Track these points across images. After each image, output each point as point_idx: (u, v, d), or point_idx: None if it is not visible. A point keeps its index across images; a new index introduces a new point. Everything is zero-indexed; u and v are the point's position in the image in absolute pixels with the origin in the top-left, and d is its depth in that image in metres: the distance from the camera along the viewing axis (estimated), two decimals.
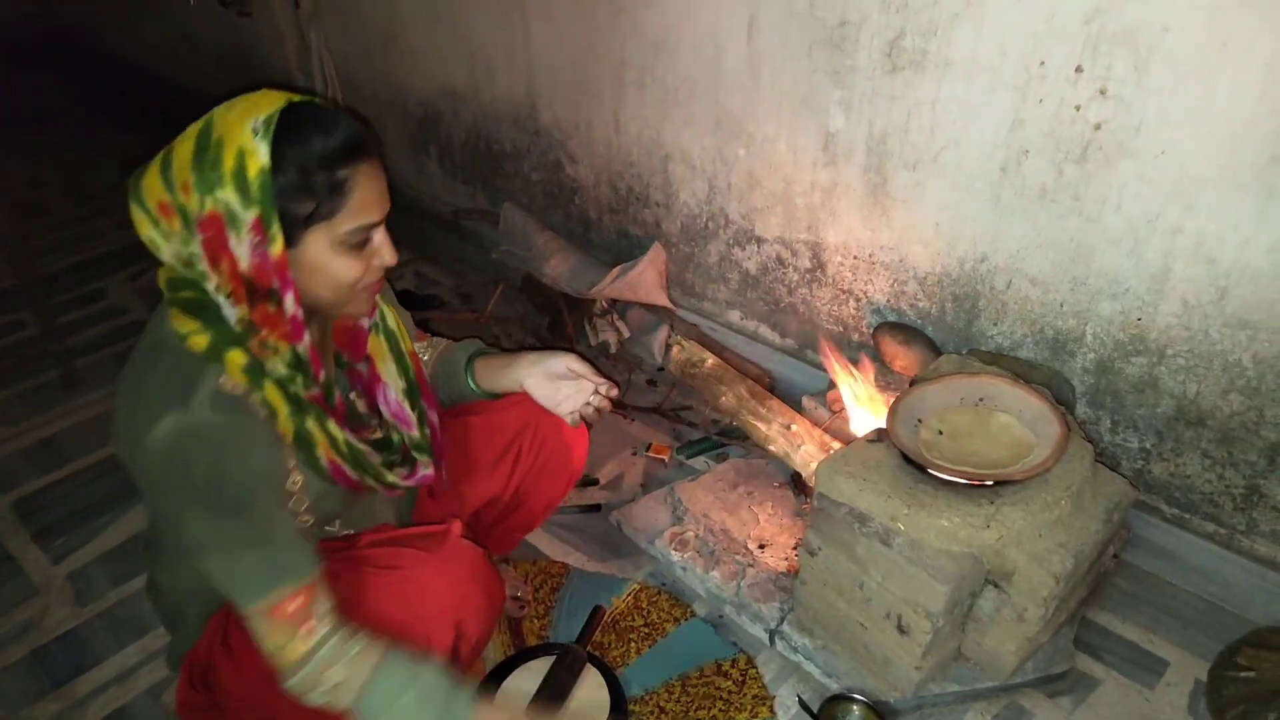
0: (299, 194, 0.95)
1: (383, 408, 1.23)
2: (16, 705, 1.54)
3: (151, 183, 0.95)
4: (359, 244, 1.02)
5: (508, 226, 2.59)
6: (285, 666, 1.00)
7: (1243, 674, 1.43)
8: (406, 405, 1.24)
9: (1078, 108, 1.41)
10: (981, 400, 1.47)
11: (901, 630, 1.37)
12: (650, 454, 2.07)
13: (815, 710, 1.42)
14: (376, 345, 1.21)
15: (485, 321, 2.55)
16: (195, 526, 0.98)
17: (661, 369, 2.38)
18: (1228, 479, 1.54)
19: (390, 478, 1.18)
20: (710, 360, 2.03)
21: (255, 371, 0.99)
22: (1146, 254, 1.44)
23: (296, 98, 0.98)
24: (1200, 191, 1.34)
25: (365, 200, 0.99)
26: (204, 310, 0.98)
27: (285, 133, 0.93)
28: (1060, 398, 1.59)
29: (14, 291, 2.80)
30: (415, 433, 1.25)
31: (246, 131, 0.92)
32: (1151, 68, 1.31)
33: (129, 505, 1.98)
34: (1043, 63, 1.41)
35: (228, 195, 0.91)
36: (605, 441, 2.11)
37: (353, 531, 1.24)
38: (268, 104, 0.95)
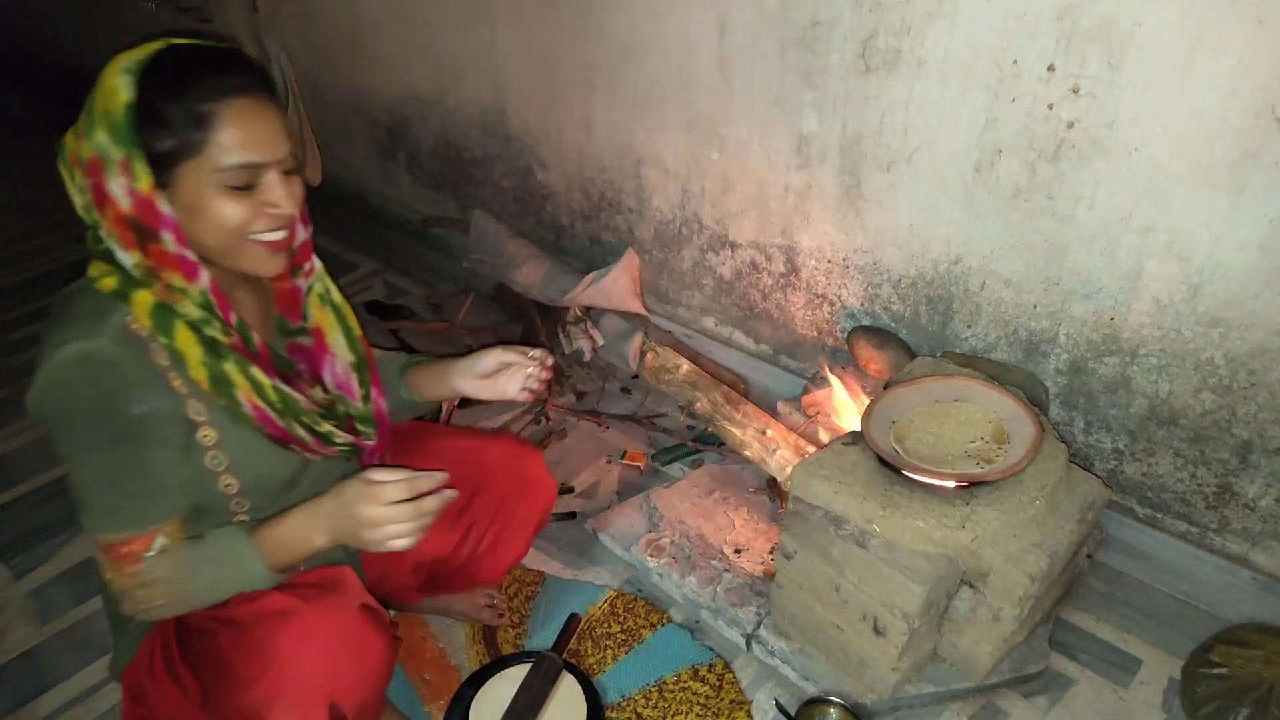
0: (158, 129, 0.93)
1: (327, 377, 1.18)
2: None
3: (69, 139, 0.97)
4: (241, 186, 0.97)
5: (478, 234, 2.56)
6: (115, 591, 1.04)
7: (1215, 671, 1.43)
8: (354, 378, 1.20)
9: (1050, 106, 1.41)
10: (956, 401, 1.47)
11: (878, 632, 1.35)
12: (625, 461, 2.04)
13: (792, 713, 1.40)
14: (324, 316, 1.17)
15: (457, 331, 2.52)
16: (68, 450, 0.98)
17: (636, 376, 2.36)
18: (1200, 478, 1.55)
19: (325, 426, 1.11)
20: (684, 366, 2.01)
21: (164, 313, 0.98)
22: (1119, 253, 1.44)
23: (185, 40, 0.96)
24: (1173, 189, 1.35)
25: (238, 137, 0.94)
26: (109, 254, 0.98)
27: (153, 71, 0.93)
28: (1034, 399, 1.59)
29: None
30: (360, 405, 1.20)
31: (119, 72, 0.93)
32: (1124, 65, 1.31)
33: None
34: (1015, 61, 1.41)
35: (101, 137, 0.92)
36: (580, 450, 2.09)
37: None
38: (148, 46, 0.95)
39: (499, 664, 1.51)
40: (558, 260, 2.43)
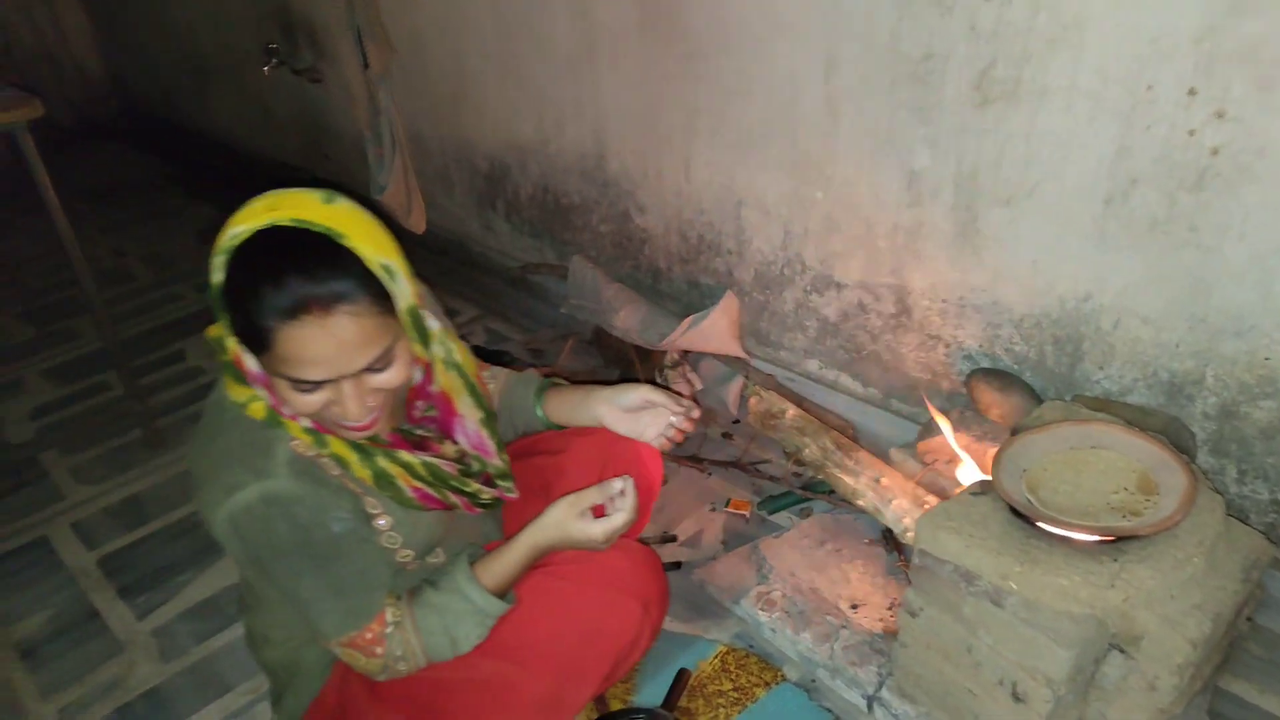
0: (234, 321, 0.94)
1: (461, 440, 1.20)
2: None
3: None
4: (304, 388, 0.95)
5: (576, 280, 2.57)
6: (366, 672, 1.12)
7: None
8: (486, 434, 1.22)
9: (1191, 132, 1.32)
10: (1094, 448, 1.36)
11: (1017, 699, 1.25)
12: (730, 509, 1.99)
13: None
14: (450, 381, 1.18)
15: (557, 375, 2.51)
16: (281, 579, 1.05)
17: (736, 421, 2.30)
18: None
19: (472, 486, 1.18)
20: (791, 410, 1.95)
21: (316, 431, 1.02)
22: (1275, 286, 1.33)
23: (284, 218, 0.91)
24: None
25: (294, 357, 0.91)
26: (243, 375, 1.00)
27: (238, 261, 0.91)
28: (1180, 446, 1.46)
29: (100, 355, 2.90)
30: (497, 460, 1.23)
31: (219, 249, 0.92)
32: (1276, 85, 1.22)
33: (210, 563, 1.99)
34: (1150, 86, 1.33)
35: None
36: (683, 497, 2.04)
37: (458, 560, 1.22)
38: (253, 219, 0.92)
39: (609, 719, 1.46)
40: (655, 304, 2.41)
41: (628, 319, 2.37)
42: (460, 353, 1.21)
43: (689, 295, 2.40)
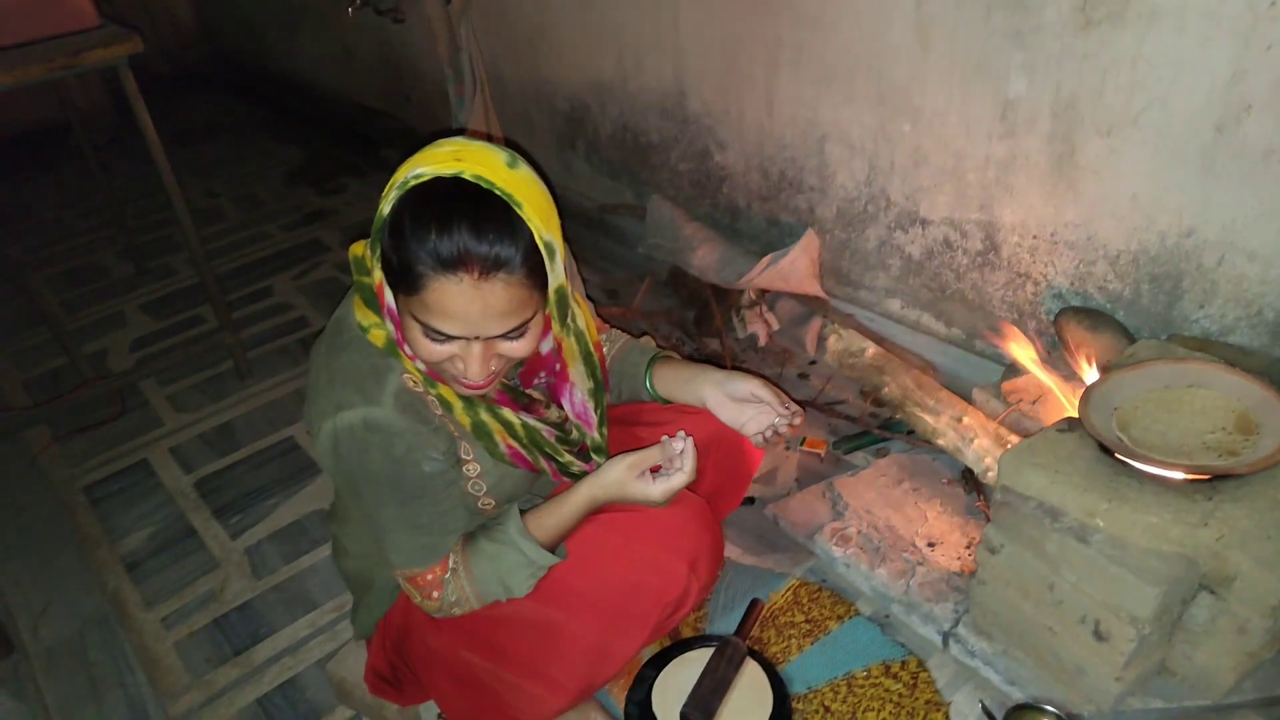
0: (388, 254, 0.95)
1: (567, 406, 1.22)
2: (201, 670, 1.64)
3: None
4: (435, 337, 0.96)
5: (655, 219, 2.56)
6: (423, 609, 1.17)
7: None
8: (591, 405, 1.23)
9: None
10: (1190, 387, 1.32)
11: (1099, 637, 1.23)
12: (805, 449, 1.98)
13: (999, 719, 1.30)
14: (569, 347, 1.18)
15: (632, 315, 2.53)
16: (367, 501, 1.08)
17: (813, 362, 2.28)
18: None
19: (565, 457, 1.20)
20: (871, 349, 1.93)
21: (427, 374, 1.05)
22: None
23: (470, 171, 0.92)
24: None
25: (437, 307, 0.92)
26: (377, 301, 1.02)
27: (416, 199, 0.92)
28: None
29: (194, 290, 3.04)
30: (596, 434, 1.25)
31: (395, 184, 0.94)
32: None
33: (298, 487, 2.08)
34: (1274, 2, 1.25)
35: (377, 219, 0.96)
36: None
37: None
38: (439, 164, 0.93)
39: (681, 646, 1.49)
40: (734, 243, 2.39)
41: (705, 257, 2.36)
42: (584, 317, 1.22)
43: (768, 234, 2.37)
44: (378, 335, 1.03)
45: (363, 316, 1.04)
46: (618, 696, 1.44)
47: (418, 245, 0.90)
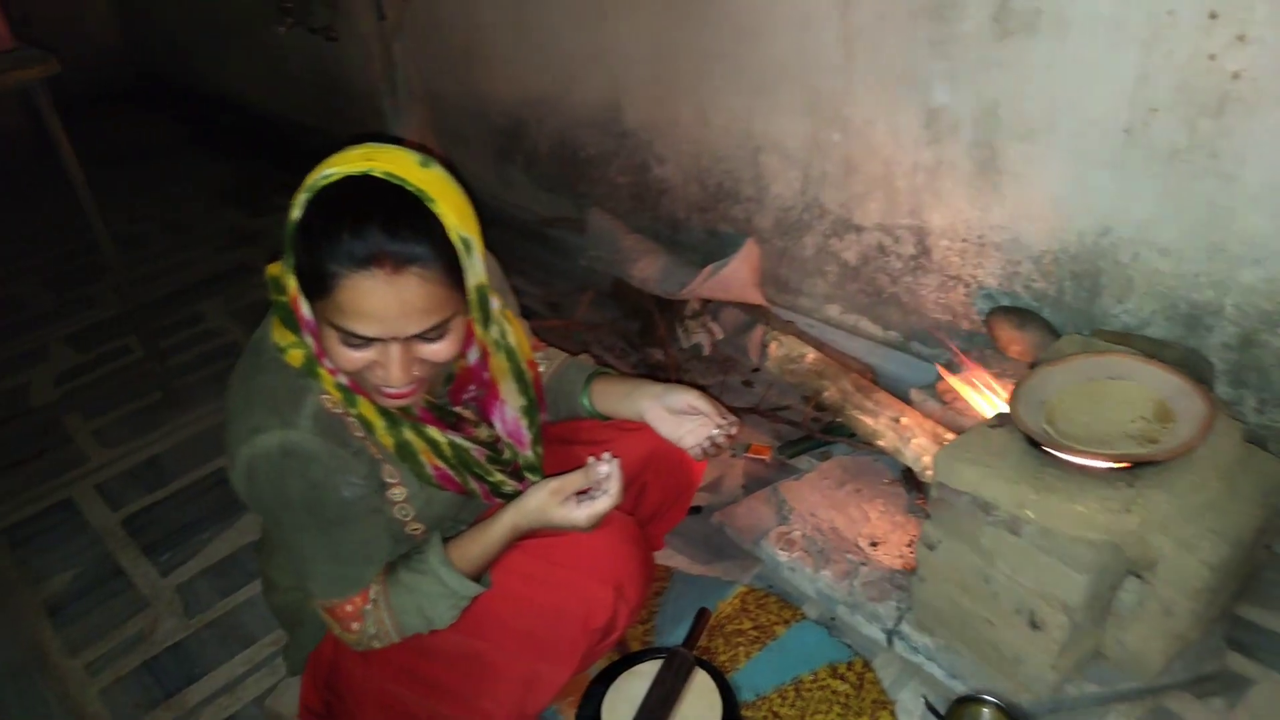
0: (300, 259, 0.93)
1: (498, 424, 1.20)
2: (131, 715, 1.57)
3: None
4: (353, 343, 0.94)
5: (595, 232, 2.58)
6: (343, 641, 1.13)
7: None
8: (525, 424, 1.21)
9: (1212, 57, 1.30)
10: (1111, 379, 1.36)
11: (1035, 626, 1.27)
12: (750, 455, 2.00)
13: (943, 713, 1.32)
14: (498, 363, 1.16)
15: (575, 328, 2.53)
16: (285, 529, 1.06)
17: (757, 369, 2.31)
18: None
19: (495, 477, 1.17)
20: (811, 354, 1.96)
21: (348, 387, 1.01)
22: None
23: (380, 169, 0.91)
24: None
25: (352, 308, 0.90)
26: (295, 319, 0.99)
27: (319, 205, 0.91)
28: (1198, 377, 1.46)
29: (120, 319, 2.93)
30: (530, 453, 1.23)
31: (306, 187, 0.92)
32: None
33: (231, 521, 2.00)
34: (1171, 11, 1.31)
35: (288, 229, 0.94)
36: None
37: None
38: (349, 164, 0.92)
39: (629, 660, 1.48)
40: (675, 254, 2.41)
41: (647, 269, 2.37)
42: (515, 335, 1.19)
43: (708, 245, 2.40)
44: (295, 355, 0.99)
45: (280, 337, 1.01)
46: (567, 714, 1.43)
47: (329, 244, 0.88)
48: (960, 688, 1.38)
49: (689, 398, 1.28)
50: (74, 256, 3.45)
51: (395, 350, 0.94)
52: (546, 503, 1.11)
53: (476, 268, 0.98)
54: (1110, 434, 1.29)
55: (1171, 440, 1.24)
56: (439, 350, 0.97)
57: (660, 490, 1.41)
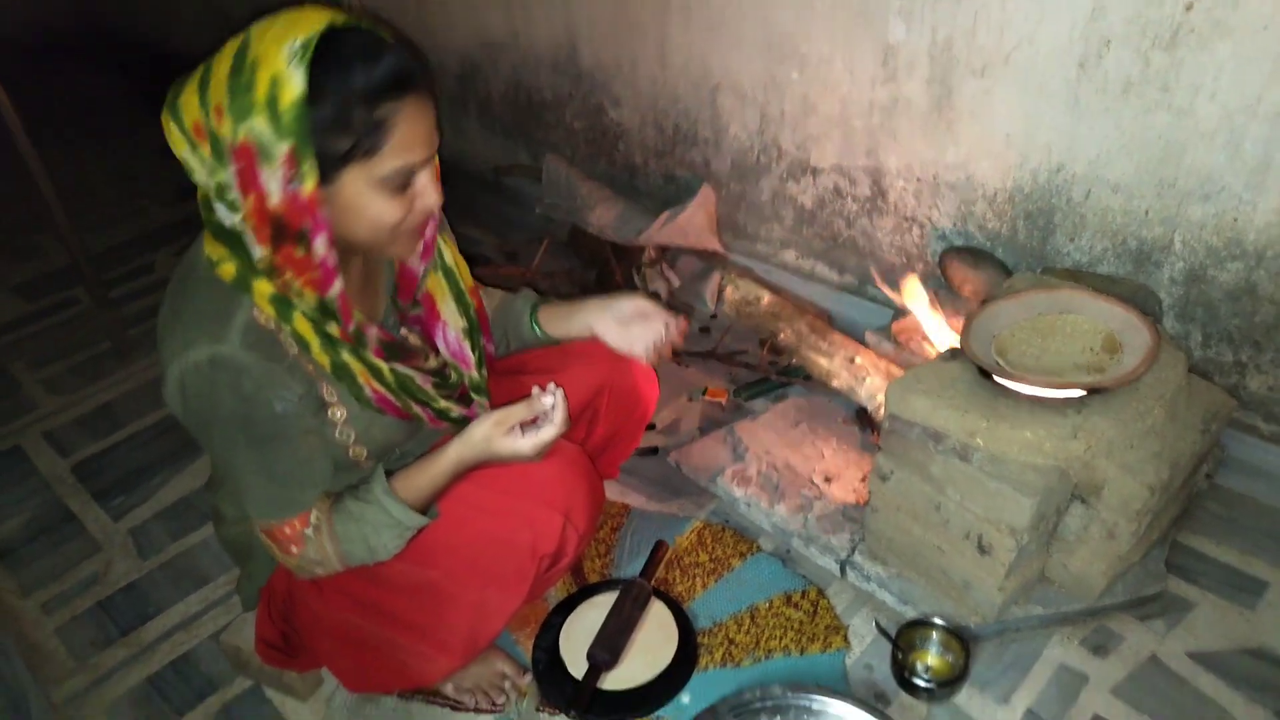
0: (336, 129, 0.88)
1: (441, 346, 1.19)
2: (87, 653, 1.56)
3: (188, 100, 0.90)
4: (401, 185, 0.95)
5: (551, 179, 2.54)
6: (283, 563, 1.12)
7: None
8: (467, 345, 1.20)
9: None
10: (1062, 313, 1.38)
11: (982, 551, 1.29)
12: (707, 398, 2.00)
13: (893, 635, 1.35)
14: (436, 283, 1.16)
15: (532, 276, 2.50)
16: (218, 447, 1.03)
17: (714, 316, 2.31)
18: None
19: (440, 404, 1.15)
20: (767, 297, 1.95)
21: (284, 303, 0.96)
22: (1245, 144, 1.33)
23: (340, 20, 0.88)
24: None
25: (409, 139, 0.92)
26: (232, 236, 0.94)
27: (324, 60, 0.85)
28: (1146, 311, 1.48)
29: (68, 270, 2.86)
30: (475, 373, 1.22)
31: (282, 55, 0.84)
32: None
33: (183, 464, 1.99)
34: None
35: (260, 125, 0.85)
36: (661, 388, 2.04)
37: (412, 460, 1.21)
38: (307, 25, 0.86)
39: (587, 591, 1.50)
40: (632, 201, 2.39)
41: (603, 216, 2.35)
42: (453, 257, 1.20)
43: (665, 190, 2.38)
44: (227, 269, 0.95)
45: (211, 250, 0.96)
46: (525, 645, 1.43)
47: (378, 92, 0.88)
48: (911, 613, 1.41)
49: (635, 302, 1.30)
50: (18, 207, 3.33)
51: (429, 172, 0.98)
52: (491, 433, 1.10)
53: None
54: (1060, 365, 1.31)
55: (1118, 370, 1.27)
56: (435, 185, 1.01)
57: (612, 418, 1.41)
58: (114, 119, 4.20)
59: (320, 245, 0.92)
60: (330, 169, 0.90)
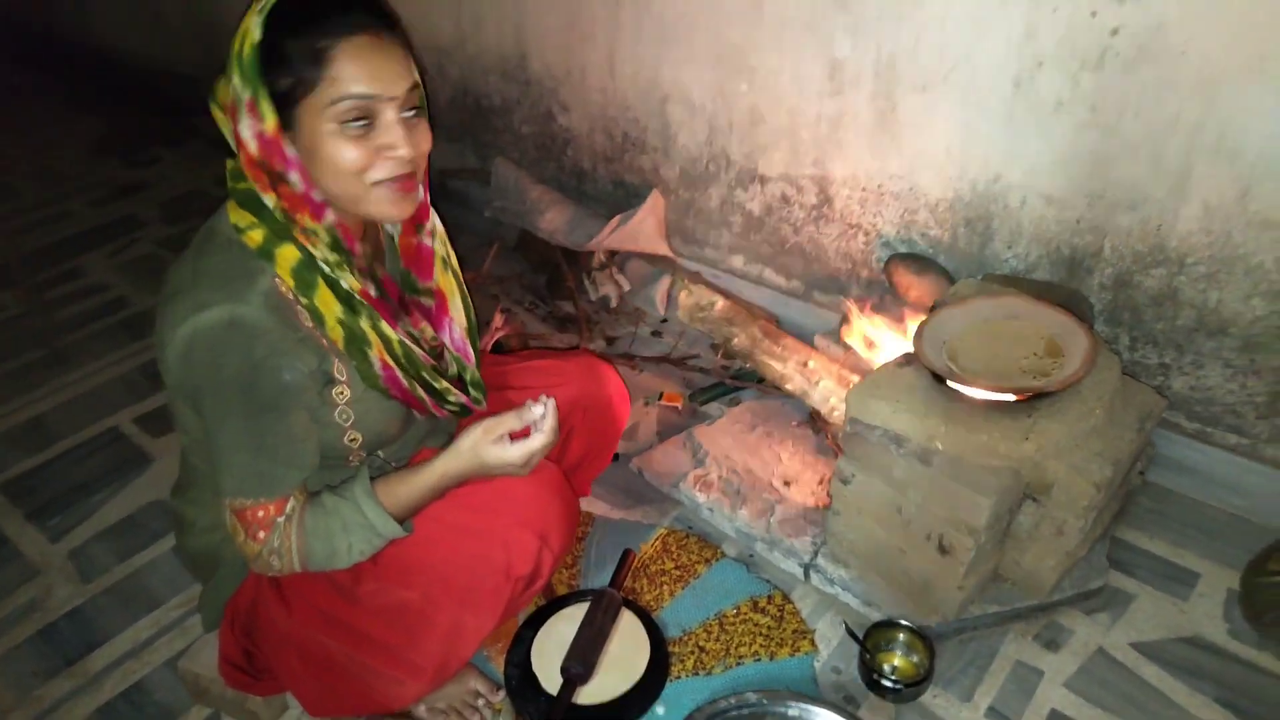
0: (279, 66, 0.92)
1: (446, 341, 1.20)
2: (29, 685, 1.49)
3: (220, 84, 0.97)
4: (358, 125, 0.94)
5: (499, 183, 2.54)
6: (242, 553, 1.08)
7: (1274, 579, 1.43)
8: (469, 343, 1.23)
9: (1094, 13, 1.38)
10: (1006, 319, 1.46)
11: (943, 551, 1.36)
12: (663, 403, 2.04)
13: (861, 637, 1.40)
14: (446, 281, 1.18)
15: (482, 282, 2.50)
16: (209, 415, 1.00)
17: (665, 320, 2.35)
18: (1250, 388, 1.54)
19: (441, 384, 1.15)
20: (721, 302, 2.00)
21: (305, 270, 0.99)
22: (1166, 157, 1.42)
23: None
24: (1223, 85, 1.33)
25: (352, 72, 0.92)
26: (257, 202, 0.98)
27: (280, 11, 0.92)
28: (1080, 316, 1.57)
29: None
30: (476, 370, 1.24)
31: (254, 13, 0.92)
32: None
33: (128, 479, 1.91)
34: None
35: (235, 78, 0.93)
36: None
37: (396, 465, 1.22)
38: None
39: (557, 603, 1.51)
40: (581, 205, 2.40)
41: (554, 221, 2.36)
42: (454, 261, 1.22)
43: (614, 195, 2.41)
44: (254, 235, 0.97)
45: (239, 218, 0.98)
46: (497, 660, 1.44)
47: (317, 28, 0.92)
48: (875, 615, 1.46)
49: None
50: None
51: (394, 116, 0.96)
52: (480, 441, 1.09)
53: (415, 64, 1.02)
54: (1007, 369, 1.39)
55: (1061, 373, 1.34)
56: (421, 131, 1.00)
57: (586, 436, 1.44)
58: (34, 115, 4.04)
59: (295, 180, 0.97)
60: (284, 108, 0.94)
